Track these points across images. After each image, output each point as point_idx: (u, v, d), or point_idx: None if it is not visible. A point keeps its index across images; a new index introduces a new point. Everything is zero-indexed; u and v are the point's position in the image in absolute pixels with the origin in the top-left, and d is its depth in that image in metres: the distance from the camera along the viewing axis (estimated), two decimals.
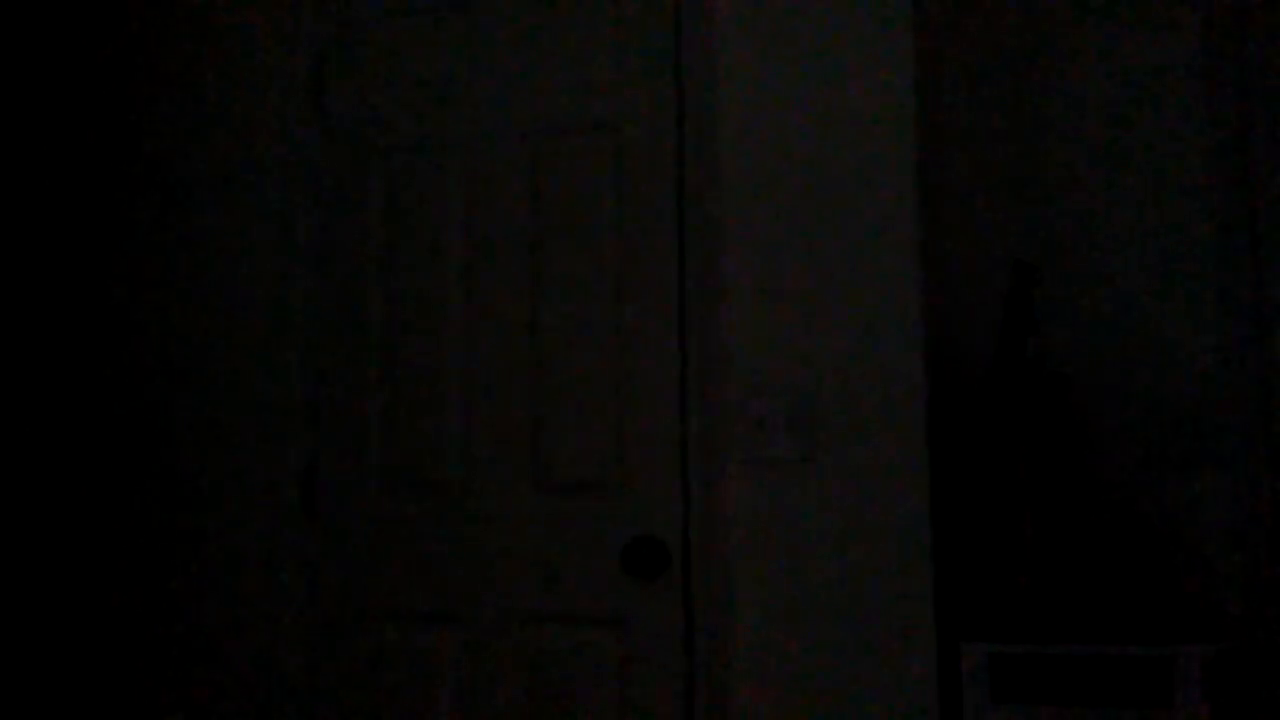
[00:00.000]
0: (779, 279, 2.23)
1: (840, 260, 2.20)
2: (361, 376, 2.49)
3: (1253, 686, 2.43)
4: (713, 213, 2.27)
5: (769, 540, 2.17)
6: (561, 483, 2.32)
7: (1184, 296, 2.59)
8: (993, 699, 2.22)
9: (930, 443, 2.52)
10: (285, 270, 2.56)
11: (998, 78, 2.77)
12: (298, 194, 2.57)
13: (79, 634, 2.62)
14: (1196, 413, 2.55)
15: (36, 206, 2.81)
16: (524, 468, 2.35)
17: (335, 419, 2.49)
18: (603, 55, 2.40)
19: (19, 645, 2.66)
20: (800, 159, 2.24)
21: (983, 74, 2.78)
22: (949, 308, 2.74)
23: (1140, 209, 2.64)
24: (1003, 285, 2.71)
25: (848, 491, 2.14)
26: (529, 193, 2.43)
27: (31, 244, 2.80)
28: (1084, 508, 2.59)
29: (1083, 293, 2.65)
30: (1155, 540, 2.54)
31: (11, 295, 2.79)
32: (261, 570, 2.48)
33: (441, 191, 2.49)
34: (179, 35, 2.73)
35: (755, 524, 2.18)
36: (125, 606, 2.59)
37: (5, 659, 2.67)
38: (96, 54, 2.80)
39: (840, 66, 2.24)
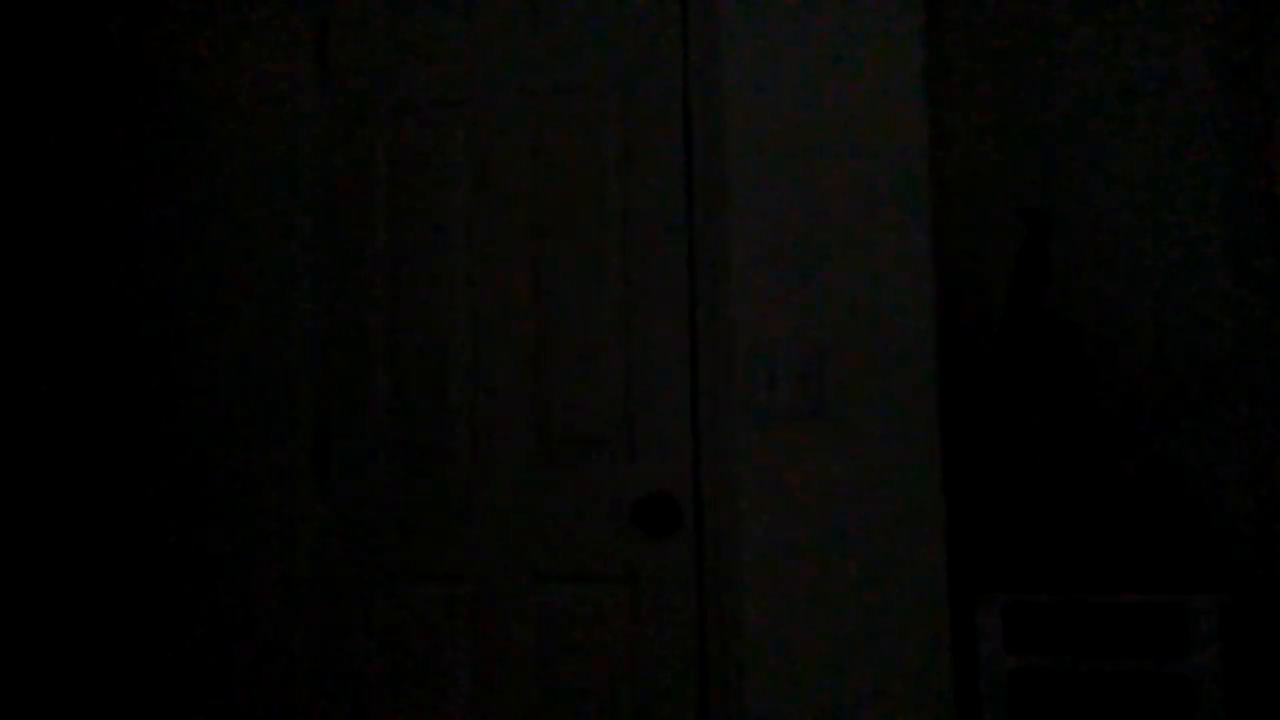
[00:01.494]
0: (788, 234, 2.21)
1: (849, 214, 2.18)
2: (369, 342, 2.48)
3: (1266, 633, 2.43)
4: (720, 170, 2.25)
5: (780, 495, 2.17)
6: (571, 442, 2.32)
7: (1197, 244, 2.56)
8: (1007, 648, 2.23)
9: (942, 395, 2.51)
10: (291, 236, 2.55)
11: (1008, 27, 2.73)
12: (302, 157, 2.55)
13: (92, 608, 2.64)
14: (1209, 361, 2.53)
15: (37, 170, 2.79)
16: (533, 428, 2.35)
17: (343, 386, 2.49)
18: (608, 13, 2.37)
19: (30, 618, 2.68)
20: (808, 114, 2.22)
21: (993, 24, 2.74)
22: (961, 258, 2.72)
23: (1153, 156, 2.61)
24: (1015, 234, 2.68)
25: (859, 446, 2.14)
26: (534, 152, 2.41)
27: (36, 213, 2.79)
28: (1097, 457, 2.58)
29: (1095, 241, 2.63)
30: (1168, 489, 2.53)
31: (17, 267, 2.79)
32: (275, 537, 2.49)
33: (446, 152, 2.47)
34: None
35: (766, 480, 2.18)
36: (141, 576, 2.60)
37: (16, 631, 2.69)
38: (96, 19, 2.78)
39: (847, 20, 2.21)
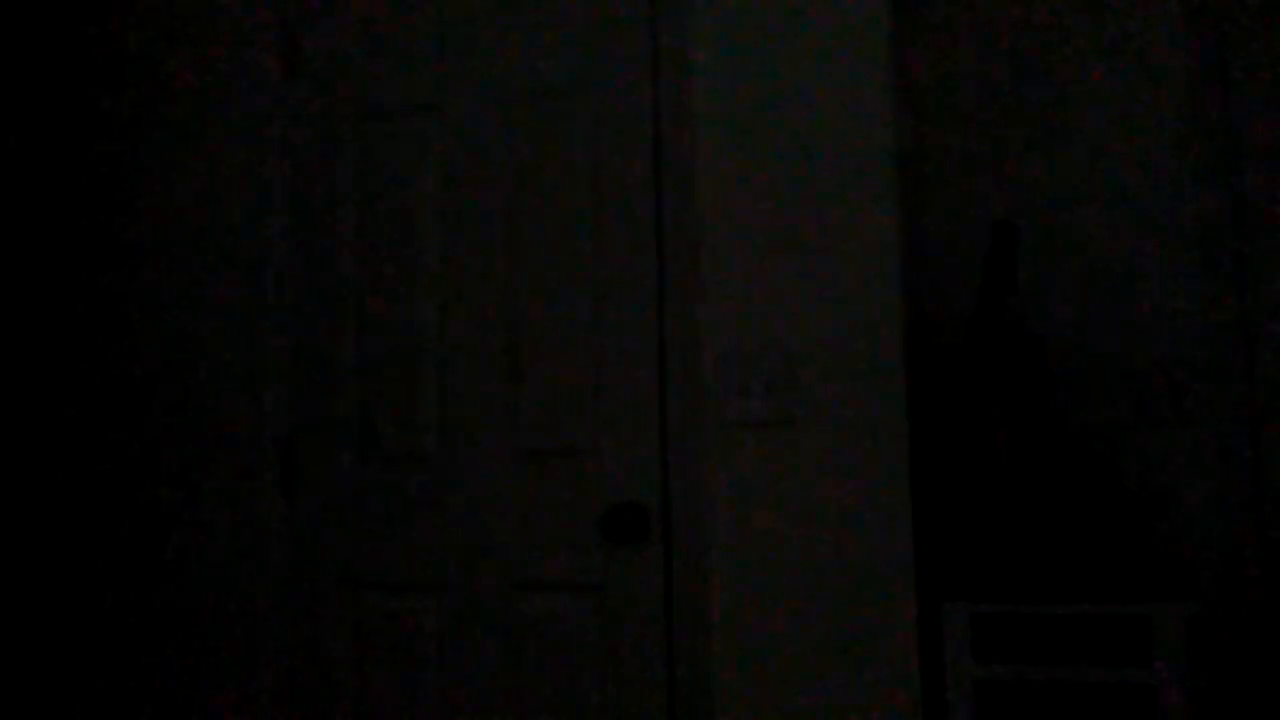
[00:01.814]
0: (757, 242, 2.21)
1: (819, 222, 2.18)
2: (338, 348, 2.46)
3: (1231, 646, 2.45)
4: (690, 176, 2.24)
5: (749, 504, 2.16)
6: (540, 450, 2.30)
7: (1164, 256, 2.58)
8: (975, 658, 2.23)
9: (910, 404, 2.51)
10: (259, 241, 2.52)
11: (977, 34, 2.75)
12: (270, 161, 2.53)
13: (60, 611, 2.59)
14: (1176, 373, 2.54)
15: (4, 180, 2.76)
16: (502, 436, 2.33)
17: (312, 391, 2.47)
18: (578, 16, 2.36)
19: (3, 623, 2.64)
20: (777, 118, 2.22)
21: (963, 30, 2.76)
22: (929, 268, 2.73)
23: (1121, 169, 2.63)
24: (983, 245, 2.69)
25: (828, 454, 2.13)
26: (504, 156, 2.39)
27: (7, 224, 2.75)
28: (1064, 468, 2.59)
29: (1063, 253, 2.64)
30: (1135, 500, 2.54)
31: None
32: (243, 544, 2.46)
33: (416, 155, 2.45)
34: None
35: (735, 488, 2.17)
36: (108, 582, 2.56)
37: None
38: (61, 12, 2.75)
39: (816, 21, 2.21)
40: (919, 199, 2.75)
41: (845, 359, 2.14)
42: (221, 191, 2.57)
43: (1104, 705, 2.17)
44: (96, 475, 2.59)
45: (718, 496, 2.18)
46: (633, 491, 2.23)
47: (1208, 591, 2.47)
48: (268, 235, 2.52)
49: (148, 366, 2.58)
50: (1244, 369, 2.52)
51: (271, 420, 2.47)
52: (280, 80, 2.54)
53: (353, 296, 2.47)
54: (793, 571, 2.13)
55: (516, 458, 2.32)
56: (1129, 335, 2.59)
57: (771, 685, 2.12)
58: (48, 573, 2.61)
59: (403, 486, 2.38)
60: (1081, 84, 2.67)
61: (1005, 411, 2.43)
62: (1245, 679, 2.42)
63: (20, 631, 2.62)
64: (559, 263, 2.33)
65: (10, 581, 2.64)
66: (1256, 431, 2.50)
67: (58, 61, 2.74)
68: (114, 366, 2.61)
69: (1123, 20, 2.65)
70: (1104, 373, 2.59)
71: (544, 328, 2.32)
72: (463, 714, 2.29)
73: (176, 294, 2.58)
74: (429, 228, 2.43)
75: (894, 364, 2.11)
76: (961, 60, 2.75)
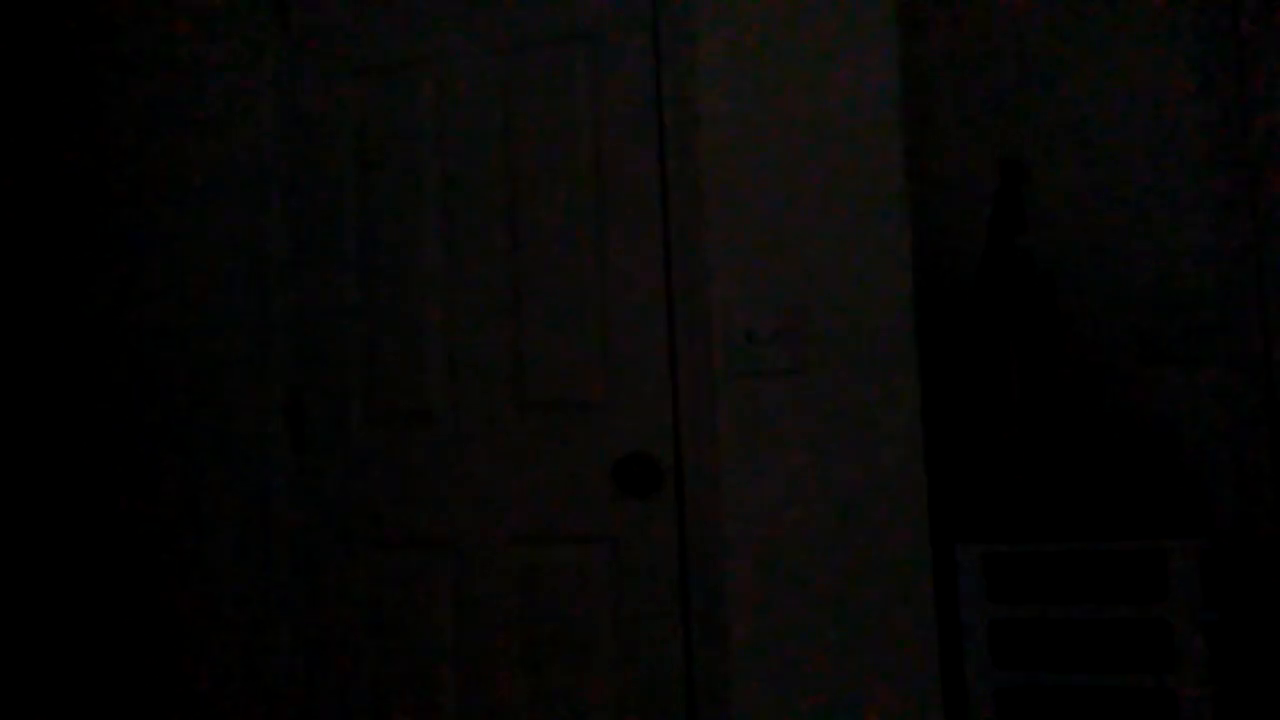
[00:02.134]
0: (763, 189, 2.18)
1: (824, 168, 2.15)
2: (341, 306, 2.45)
3: (1246, 581, 2.45)
4: (694, 125, 2.22)
5: (761, 452, 2.15)
6: (549, 403, 2.30)
7: (1178, 192, 2.55)
8: (990, 598, 2.23)
9: (921, 347, 2.50)
10: (261, 200, 2.51)
11: None
12: (267, 121, 2.51)
13: (74, 576, 2.62)
14: (1190, 309, 2.52)
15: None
16: (510, 390, 2.32)
17: (317, 350, 2.46)
18: None
19: (13, 590, 2.66)
20: (781, 64, 2.18)
21: None
22: (938, 209, 2.70)
23: (1132, 104, 2.59)
24: (992, 185, 2.66)
25: (839, 400, 2.12)
26: (504, 110, 2.37)
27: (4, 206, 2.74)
28: (1076, 406, 2.58)
29: (1075, 190, 2.61)
30: (1148, 437, 2.53)
31: None
32: (253, 504, 2.47)
33: (415, 111, 2.43)
34: None
35: (747, 436, 2.17)
36: (119, 548, 2.58)
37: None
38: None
39: None
40: (926, 138, 2.71)
41: (855, 304, 2.12)
42: (221, 154, 2.55)
43: (1121, 644, 2.17)
44: (101, 437, 2.60)
45: (729, 444, 2.17)
46: (644, 442, 2.23)
47: (1222, 527, 2.47)
48: (268, 196, 2.50)
49: (153, 329, 2.58)
50: (1254, 303, 2.49)
51: (277, 379, 2.47)
52: (274, 39, 2.51)
53: (356, 255, 2.45)
54: (805, 518, 2.13)
55: (525, 412, 2.31)
56: (1138, 272, 2.56)
57: (786, 632, 2.12)
58: (61, 535, 2.63)
59: (412, 443, 2.38)
60: (1091, 24, 2.62)
61: (1016, 349, 2.41)
62: (1261, 613, 2.42)
63: (37, 588, 2.64)
64: (564, 214, 2.31)
65: (27, 538, 2.66)
66: (1268, 365, 2.48)
67: (54, 35, 2.71)
68: (121, 332, 2.61)
69: None
70: (1114, 309, 2.57)
71: (550, 281, 2.31)
72: (478, 665, 2.31)
73: (183, 263, 2.57)
74: (429, 184, 2.41)
75: (904, 307, 2.10)
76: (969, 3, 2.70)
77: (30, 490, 2.67)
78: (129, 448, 2.59)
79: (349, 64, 2.47)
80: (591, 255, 2.29)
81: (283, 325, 2.48)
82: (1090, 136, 2.61)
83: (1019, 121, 2.65)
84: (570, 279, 2.30)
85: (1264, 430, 2.47)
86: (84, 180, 2.67)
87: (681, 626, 2.19)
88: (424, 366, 2.38)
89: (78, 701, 2.58)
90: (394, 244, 2.42)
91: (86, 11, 2.69)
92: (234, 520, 2.49)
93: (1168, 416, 2.52)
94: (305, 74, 2.50)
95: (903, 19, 2.71)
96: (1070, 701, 2.19)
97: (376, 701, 2.38)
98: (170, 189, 2.59)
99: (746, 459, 2.16)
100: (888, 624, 2.07)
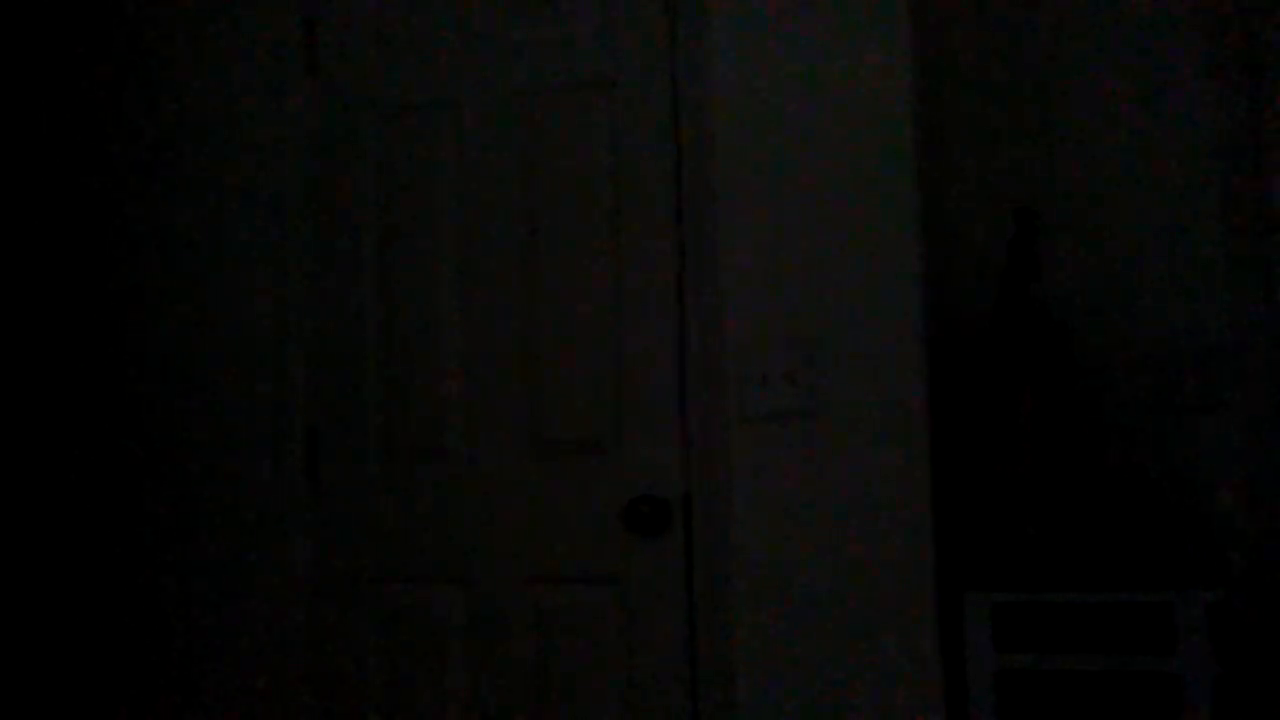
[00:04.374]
0: (777, 232, 2.21)
1: (839, 211, 2.18)
2: (359, 343, 2.49)
3: (1257, 634, 2.43)
4: (708, 167, 2.25)
5: (770, 494, 2.17)
6: (561, 444, 2.32)
7: (1191, 241, 2.56)
8: (997, 648, 2.23)
9: (932, 393, 2.51)
10: (282, 236, 2.55)
11: (1000, 21, 2.72)
12: (292, 159, 2.56)
13: (82, 612, 2.65)
14: (1204, 359, 2.52)
15: (22, 171, 2.80)
16: (523, 429, 2.35)
17: (335, 386, 2.50)
18: (596, 12, 2.36)
19: (19, 622, 2.70)
20: (796, 109, 2.21)
21: (985, 18, 2.74)
22: (952, 256, 2.72)
23: (1146, 154, 2.60)
24: (1006, 233, 2.68)
25: (848, 444, 2.14)
26: (524, 153, 2.40)
27: (22, 215, 2.79)
28: (1088, 455, 2.58)
29: (1089, 239, 2.62)
30: (1160, 487, 2.52)
31: (12, 269, 2.80)
32: (267, 537, 2.50)
33: (435, 153, 2.47)
34: None
35: (756, 478, 2.18)
36: (130, 580, 2.61)
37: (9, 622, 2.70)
38: (81, 19, 2.78)
39: (835, 13, 2.20)
40: (940, 186, 2.74)
41: (866, 350, 2.14)
42: (245, 190, 2.60)
43: (1128, 694, 2.17)
44: (119, 475, 2.64)
45: (739, 486, 2.19)
46: (654, 484, 2.25)
47: (1236, 579, 2.46)
48: (290, 232, 2.54)
49: (170, 365, 2.62)
50: (1272, 355, 2.49)
51: (295, 417, 2.50)
52: (301, 79, 2.56)
53: (375, 293, 2.49)
54: (813, 562, 2.13)
55: (538, 451, 2.34)
56: (1154, 322, 2.57)
57: (792, 676, 2.13)
58: (73, 574, 2.66)
59: (426, 480, 2.41)
60: (1106, 73, 2.64)
61: (1029, 398, 2.42)
62: (1274, 666, 2.41)
63: (40, 632, 2.67)
64: (579, 257, 2.34)
65: (30, 582, 2.69)
66: None
67: (79, 63, 2.78)
68: (137, 366, 2.65)
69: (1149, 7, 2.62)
70: (1129, 359, 2.58)
71: (564, 321, 2.34)
72: (491, 704, 2.32)
73: (201, 293, 2.61)
74: (450, 225, 2.45)
75: (916, 352, 2.11)
76: (984, 44, 2.73)
77: (50, 533, 2.70)
78: (142, 485, 2.62)
79: (372, 106, 2.51)
80: (607, 298, 2.32)
81: (301, 362, 2.52)
82: (1106, 186, 2.62)
83: (1036, 169, 2.67)
84: (585, 318, 2.32)
85: (1279, 480, 2.46)
86: (110, 214, 2.72)
87: (688, 668, 2.20)
88: (440, 403, 2.41)
89: None
90: (413, 281, 2.46)
91: (127, 34, 2.75)
92: (246, 552, 2.52)
93: (1181, 466, 2.52)
94: (330, 112, 2.55)
95: (923, 68, 2.74)
96: None
97: None
98: (194, 226, 2.64)
99: (755, 501, 2.17)
100: (896, 671, 2.08)
